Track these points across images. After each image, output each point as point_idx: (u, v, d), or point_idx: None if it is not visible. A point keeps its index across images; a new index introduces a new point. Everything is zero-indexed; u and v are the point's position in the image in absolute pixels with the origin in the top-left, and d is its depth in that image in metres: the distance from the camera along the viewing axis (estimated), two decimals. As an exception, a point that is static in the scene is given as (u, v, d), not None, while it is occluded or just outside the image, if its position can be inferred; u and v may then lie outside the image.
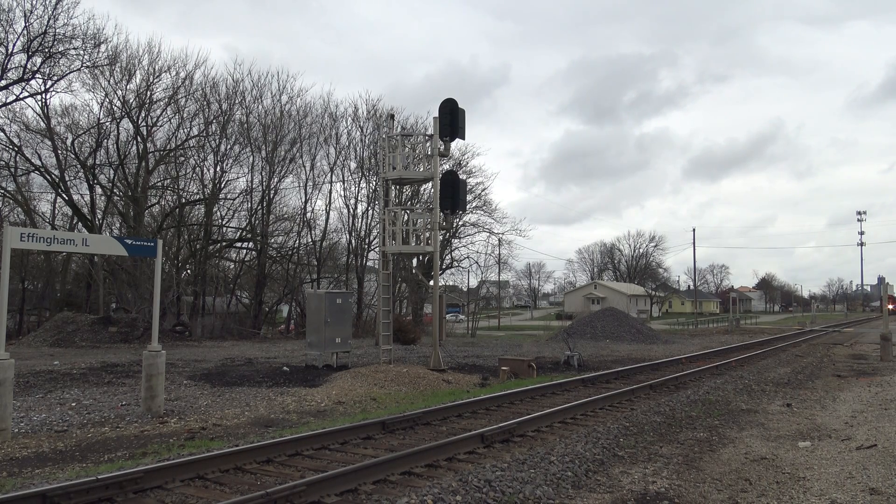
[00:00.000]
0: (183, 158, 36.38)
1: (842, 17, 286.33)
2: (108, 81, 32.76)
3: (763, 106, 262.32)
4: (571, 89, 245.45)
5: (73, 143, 33.82)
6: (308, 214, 40.09)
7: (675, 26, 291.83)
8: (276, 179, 38.26)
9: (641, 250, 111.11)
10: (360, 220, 40.67)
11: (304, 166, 39.81)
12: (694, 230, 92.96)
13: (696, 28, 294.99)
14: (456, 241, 43.71)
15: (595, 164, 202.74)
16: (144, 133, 34.21)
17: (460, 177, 21.48)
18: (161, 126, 35.16)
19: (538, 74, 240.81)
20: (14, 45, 28.96)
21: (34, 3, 28.88)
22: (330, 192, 40.61)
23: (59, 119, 34.74)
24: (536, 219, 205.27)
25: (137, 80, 33.55)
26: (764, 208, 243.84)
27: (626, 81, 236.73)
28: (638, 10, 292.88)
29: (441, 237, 24.17)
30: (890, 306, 26.40)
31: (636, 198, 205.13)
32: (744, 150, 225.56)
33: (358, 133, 40.77)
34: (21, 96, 31.22)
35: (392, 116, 21.84)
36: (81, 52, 30.39)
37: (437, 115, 18.42)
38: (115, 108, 33.37)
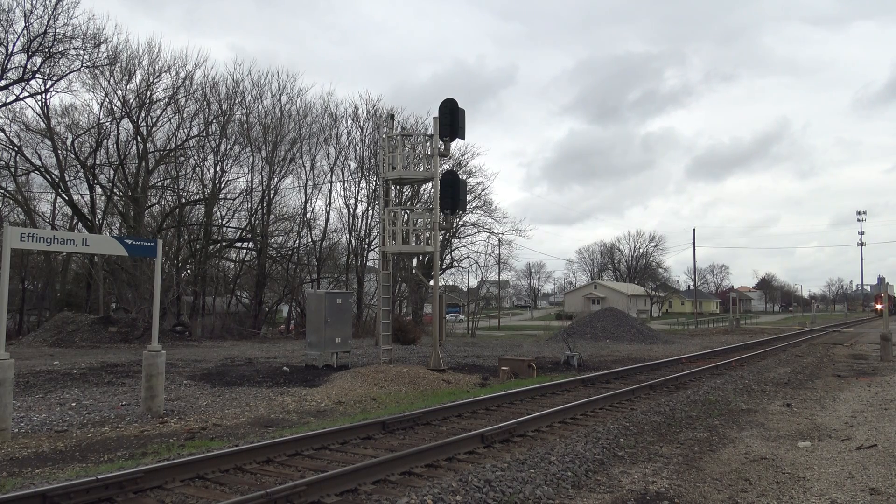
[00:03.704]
0: (183, 158, 36.41)
1: (847, 17, 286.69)
2: (108, 81, 32.81)
3: (768, 106, 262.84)
4: (576, 89, 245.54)
5: (73, 143, 33.84)
6: (308, 214, 40.17)
7: (680, 27, 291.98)
8: (276, 179, 38.34)
9: (641, 250, 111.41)
10: (360, 220, 40.75)
11: (304, 166, 39.91)
12: (694, 230, 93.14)
13: (701, 28, 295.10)
14: (456, 241, 43.73)
15: (599, 164, 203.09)
16: (144, 133, 34.23)
17: (460, 177, 21.48)
18: (161, 126, 35.23)
19: (543, 75, 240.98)
20: (14, 45, 29.01)
21: (34, 3, 28.92)
22: (330, 192, 40.69)
23: (59, 119, 34.80)
24: (538, 219, 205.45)
25: (137, 80, 33.62)
26: (766, 208, 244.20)
27: (631, 81, 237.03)
28: (643, 11, 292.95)
29: (441, 237, 24.17)
30: (879, 306, 26.49)
31: (639, 197, 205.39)
32: (748, 150, 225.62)
33: (358, 133, 40.87)
34: (21, 96, 31.27)
35: (392, 116, 21.82)
36: (81, 52, 30.43)
37: (437, 114, 18.42)
38: (115, 108, 33.42)
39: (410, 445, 8.56)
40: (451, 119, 18.09)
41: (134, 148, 34.90)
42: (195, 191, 37.26)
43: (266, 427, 10.60)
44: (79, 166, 33.75)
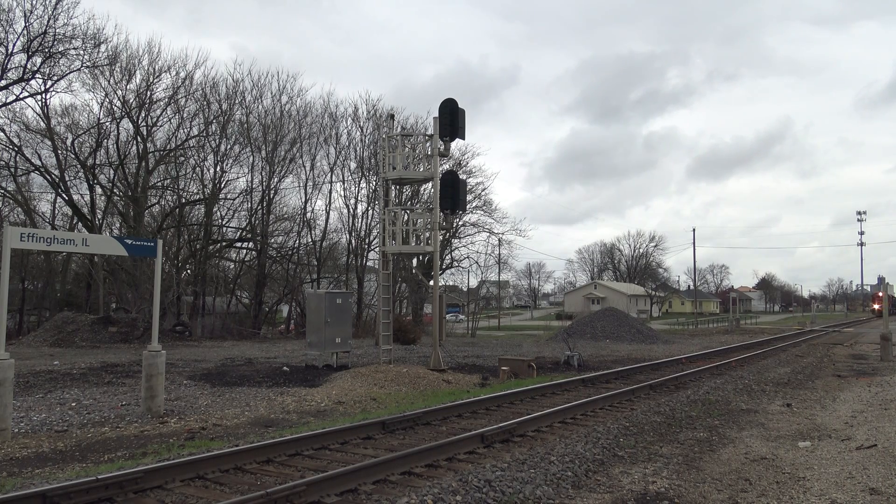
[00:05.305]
0: (183, 158, 36.41)
1: (849, 17, 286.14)
2: (108, 81, 32.82)
3: (770, 106, 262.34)
4: (578, 89, 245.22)
5: (73, 143, 33.84)
6: (308, 214, 40.18)
7: (683, 26, 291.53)
8: (276, 179, 38.35)
9: (641, 250, 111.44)
10: (360, 220, 40.77)
11: (304, 166, 39.93)
12: (694, 230, 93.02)
13: (704, 28, 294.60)
14: (456, 241, 43.74)
15: (600, 164, 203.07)
16: (144, 133, 34.24)
17: (460, 177, 21.48)
18: (161, 126, 35.25)
19: (546, 75, 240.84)
20: (14, 45, 29.02)
21: (34, 3, 28.93)
22: (330, 192, 40.72)
23: (59, 119, 34.80)
24: (539, 219, 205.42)
25: (137, 80, 33.63)
26: (768, 208, 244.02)
27: (633, 81, 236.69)
28: (646, 11, 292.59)
29: (441, 237, 24.18)
30: (877, 306, 26.51)
31: (640, 197, 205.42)
32: (750, 150, 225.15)
33: (358, 133, 40.90)
34: (21, 96, 31.27)
35: (392, 116, 21.83)
36: (81, 52, 30.44)
37: (437, 114, 18.42)
38: (115, 108, 33.43)
39: (410, 445, 8.56)
40: (451, 119, 18.10)
41: (134, 148, 34.94)
42: (195, 191, 37.31)
43: (266, 427, 10.60)
44: (79, 166, 33.76)
